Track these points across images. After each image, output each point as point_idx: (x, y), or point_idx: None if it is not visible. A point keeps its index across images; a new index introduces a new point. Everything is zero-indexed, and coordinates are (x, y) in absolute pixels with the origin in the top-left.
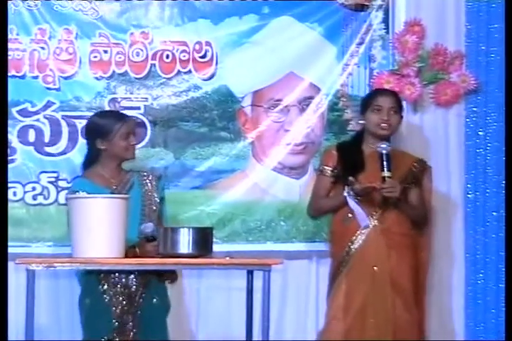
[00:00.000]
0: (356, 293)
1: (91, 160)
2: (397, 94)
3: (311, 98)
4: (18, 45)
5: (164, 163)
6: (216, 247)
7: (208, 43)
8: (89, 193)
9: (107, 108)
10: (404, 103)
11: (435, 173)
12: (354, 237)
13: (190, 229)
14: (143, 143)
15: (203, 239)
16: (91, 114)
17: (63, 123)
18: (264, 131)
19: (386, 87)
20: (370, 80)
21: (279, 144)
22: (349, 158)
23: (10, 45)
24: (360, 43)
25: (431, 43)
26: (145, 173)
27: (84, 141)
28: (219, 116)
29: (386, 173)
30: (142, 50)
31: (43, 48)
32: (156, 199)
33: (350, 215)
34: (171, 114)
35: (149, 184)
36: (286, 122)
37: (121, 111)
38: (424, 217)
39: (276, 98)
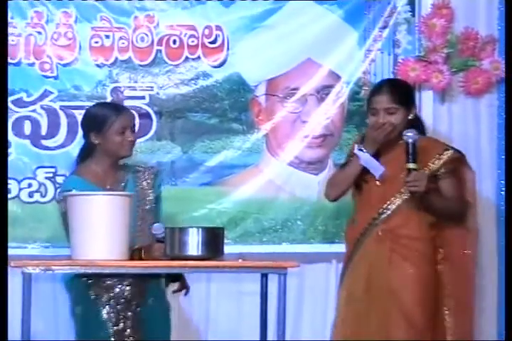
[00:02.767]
0: (352, 301)
1: (85, 154)
2: (396, 87)
3: (331, 87)
4: (12, 30)
5: (171, 157)
6: (227, 249)
7: (218, 27)
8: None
9: (109, 97)
10: (431, 92)
11: None
12: (357, 239)
13: (200, 229)
14: (148, 136)
15: (214, 240)
16: (91, 104)
17: (61, 114)
18: (280, 123)
19: (412, 74)
20: (395, 67)
21: (295, 137)
22: None
23: None
24: (384, 27)
25: (460, 27)
26: (141, 169)
27: None
28: (230, 107)
29: (411, 165)
30: (147, 35)
31: (39, 33)
32: (151, 198)
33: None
34: (179, 104)
35: (144, 181)
36: (304, 113)
37: (120, 103)
38: (459, 211)
39: (292, 87)
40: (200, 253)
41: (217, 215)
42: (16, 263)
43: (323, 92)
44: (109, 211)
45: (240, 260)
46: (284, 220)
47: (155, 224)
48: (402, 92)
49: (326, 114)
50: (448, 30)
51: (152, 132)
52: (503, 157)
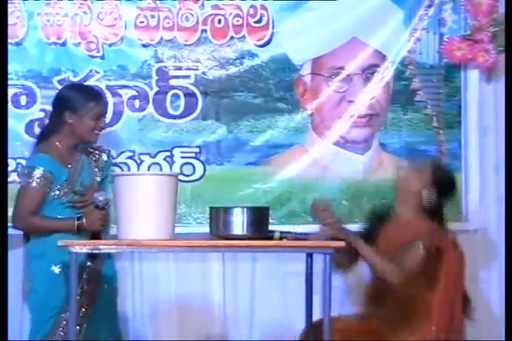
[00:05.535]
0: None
1: (50, 131)
2: None
3: (376, 66)
4: (58, 10)
5: (216, 136)
6: (272, 228)
7: (263, 7)
8: (50, 171)
9: (155, 77)
10: (476, 72)
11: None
12: None
13: (245, 209)
14: (193, 116)
15: (259, 220)
16: (137, 83)
17: (108, 94)
18: (325, 102)
19: (457, 53)
20: (440, 46)
21: (341, 116)
22: None
23: (50, 10)
24: (429, 6)
25: None
26: (93, 150)
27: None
28: (276, 86)
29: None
30: (192, 15)
31: (85, 13)
32: (97, 178)
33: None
34: (224, 84)
35: (94, 162)
36: (349, 92)
37: (99, 89)
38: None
39: (337, 66)
40: (245, 232)
41: (262, 195)
42: (62, 242)
43: (368, 71)
44: (155, 191)
45: (285, 240)
46: (329, 200)
47: (97, 192)
48: None
49: (371, 93)
50: (494, 9)
51: (198, 112)
52: None
